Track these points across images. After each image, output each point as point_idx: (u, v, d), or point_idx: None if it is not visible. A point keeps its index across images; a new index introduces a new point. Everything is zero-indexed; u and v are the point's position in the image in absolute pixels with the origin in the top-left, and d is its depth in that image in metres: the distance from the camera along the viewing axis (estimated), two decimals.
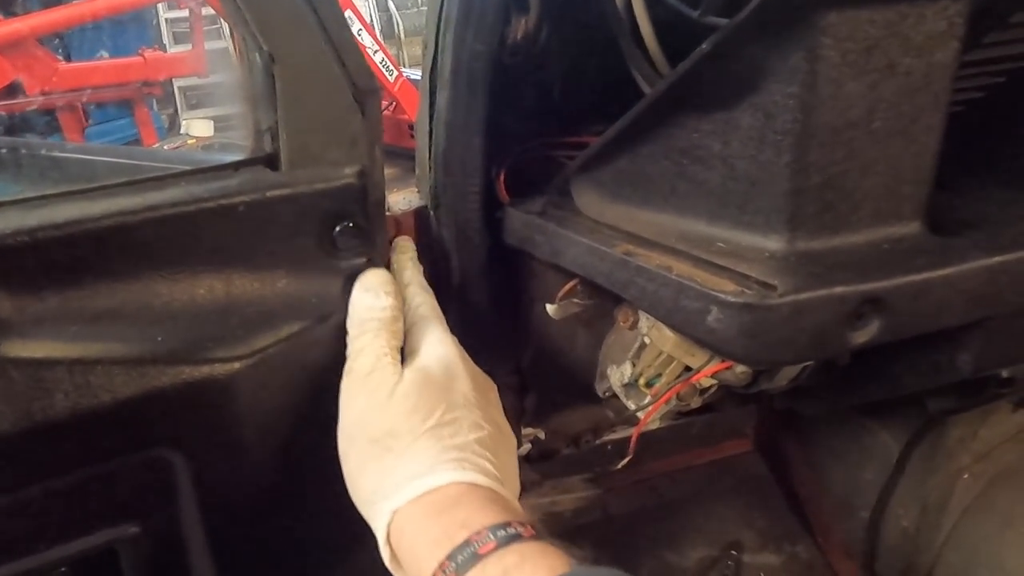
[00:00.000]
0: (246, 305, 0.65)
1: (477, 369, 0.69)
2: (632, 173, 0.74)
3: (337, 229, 0.66)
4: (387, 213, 0.76)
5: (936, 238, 0.67)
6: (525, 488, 1.10)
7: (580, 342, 0.90)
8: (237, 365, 0.63)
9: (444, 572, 0.53)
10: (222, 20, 4.79)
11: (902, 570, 1.17)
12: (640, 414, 0.83)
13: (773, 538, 1.37)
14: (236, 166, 0.65)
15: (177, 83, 5.59)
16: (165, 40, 5.67)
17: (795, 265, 0.62)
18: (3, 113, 4.07)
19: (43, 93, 4.01)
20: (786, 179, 0.61)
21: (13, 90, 3.90)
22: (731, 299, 0.59)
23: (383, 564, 0.59)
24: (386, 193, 0.75)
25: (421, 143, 0.80)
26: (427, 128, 0.78)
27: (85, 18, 4.15)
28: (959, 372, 0.75)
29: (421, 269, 0.75)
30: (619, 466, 0.95)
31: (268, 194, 0.63)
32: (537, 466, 1.08)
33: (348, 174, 0.66)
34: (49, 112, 4.33)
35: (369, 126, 0.67)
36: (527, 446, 1.01)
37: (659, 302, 0.65)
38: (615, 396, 0.87)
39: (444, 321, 0.70)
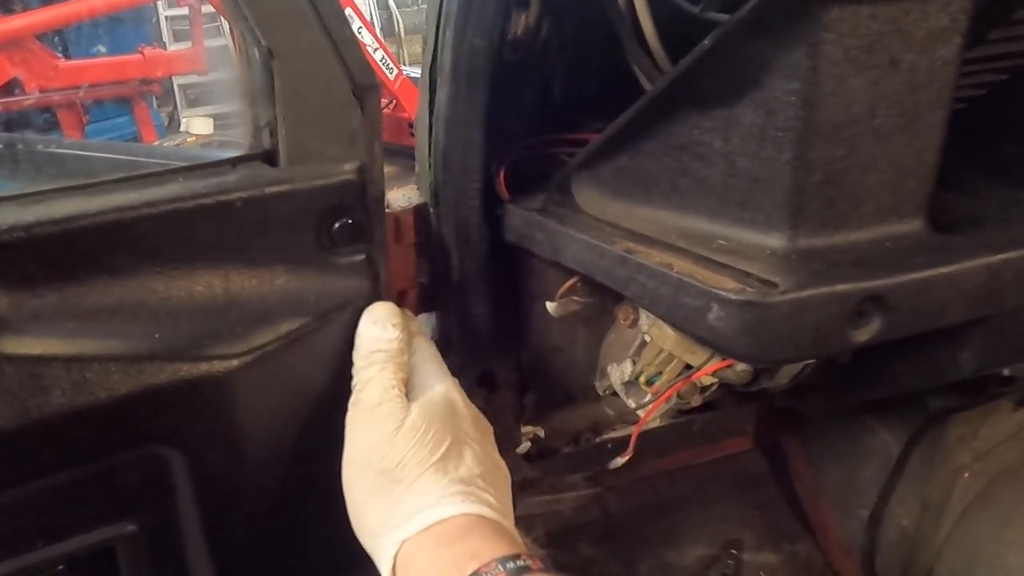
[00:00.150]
0: (244, 302, 0.64)
1: (476, 409, 0.71)
2: (633, 170, 0.73)
3: (336, 225, 0.66)
4: (387, 210, 0.76)
5: (938, 236, 0.67)
6: (525, 487, 1.10)
7: (580, 340, 0.90)
8: (235, 362, 0.63)
9: None
10: (222, 17, 4.78)
11: (902, 569, 1.17)
12: (640, 412, 0.82)
13: (773, 537, 1.37)
14: (234, 162, 0.65)
15: (177, 81, 5.59)
16: (165, 38, 5.66)
17: (796, 262, 0.62)
18: (2, 111, 4.06)
19: (42, 91, 4.00)
20: (787, 176, 0.61)
21: (12, 88, 3.89)
22: (732, 297, 0.59)
23: None
24: (386, 190, 0.74)
25: (421, 140, 0.80)
26: (427, 125, 0.77)
27: (84, 15, 4.14)
28: (960, 371, 0.74)
29: (423, 331, 0.76)
30: (619, 464, 0.95)
31: (267, 190, 0.63)
32: (537, 464, 1.07)
33: (347, 170, 0.65)
34: (48, 110, 4.33)
35: (368, 122, 0.67)
36: (527, 444, 1.00)
37: (660, 300, 0.65)
38: (615, 394, 0.86)
39: (445, 365, 0.72)
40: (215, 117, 5.40)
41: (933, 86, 0.62)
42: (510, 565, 0.54)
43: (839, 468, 1.29)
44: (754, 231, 0.65)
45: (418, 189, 0.84)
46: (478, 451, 0.65)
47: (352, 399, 0.66)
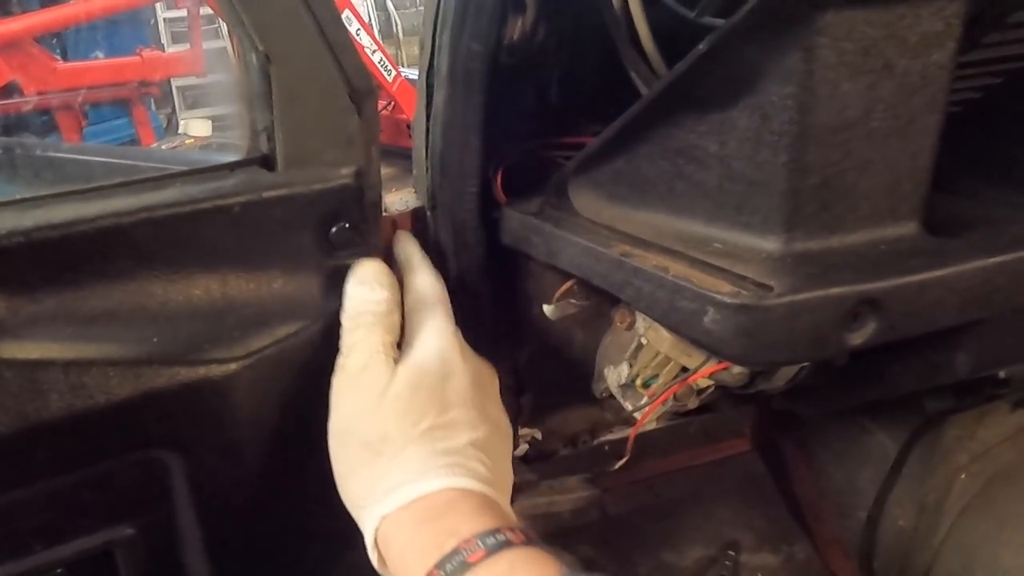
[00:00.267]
0: (242, 306, 0.64)
1: (477, 360, 0.68)
2: (629, 173, 0.73)
3: (333, 230, 0.66)
4: (384, 214, 0.76)
5: (933, 239, 0.67)
6: (522, 489, 1.10)
7: (577, 342, 0.90)
8: (233, 366, 0.63)
9: None
10: (220, 19, 4.79)
11: (900, 570, 1.17)
12: (637, 415, 0.83)
13: (771, 538, 1.37)
14: (232, 167, 0.65)
15: (175, 83, 5.59)
16: (163, 40, 5.67)
17: (792, 266, 0.62)
18: (0, 113, 4.06)
19: (40, 93, 4.00)
20: (783, 179, 0.61)
21: (10, 90, 3.90)
22: (727, 300, 0.59)
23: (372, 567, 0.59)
24: (383, 193, 0.75)
25: (418, 143, 0.80)
26: (424, 128, 0.78)
27: (82, 18, 4.15)
28: (956, 373, 0.75)
29: (428, 260, 0.74)
30: (617, 466, 0.95)
31: (264, 195, 0.63)
32: (534, 466, 1.08)
33: (344, 175, 0.66)
34: (46, 112, 4.33)
35: (366, 126, 0.67)
36: (524, 447, 1.00)
37: (655, 303, 0.65)
38: (612, 397, 0.87)
39: (448, 307, 0.69)
40: (213, 119, 5.41)
41: (928, 90, 0.62)
42: (490, 540, 0.52)
43: (837, 469, 1.29)
44: (750, 234, 0.65)
45: (415, 192, 0.84)
46: (472, 415, 0.62)
47: (338, 363, 0.64)
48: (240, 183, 0.63)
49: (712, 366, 0.75)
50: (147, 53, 4.77)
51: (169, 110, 5.73)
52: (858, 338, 0.62)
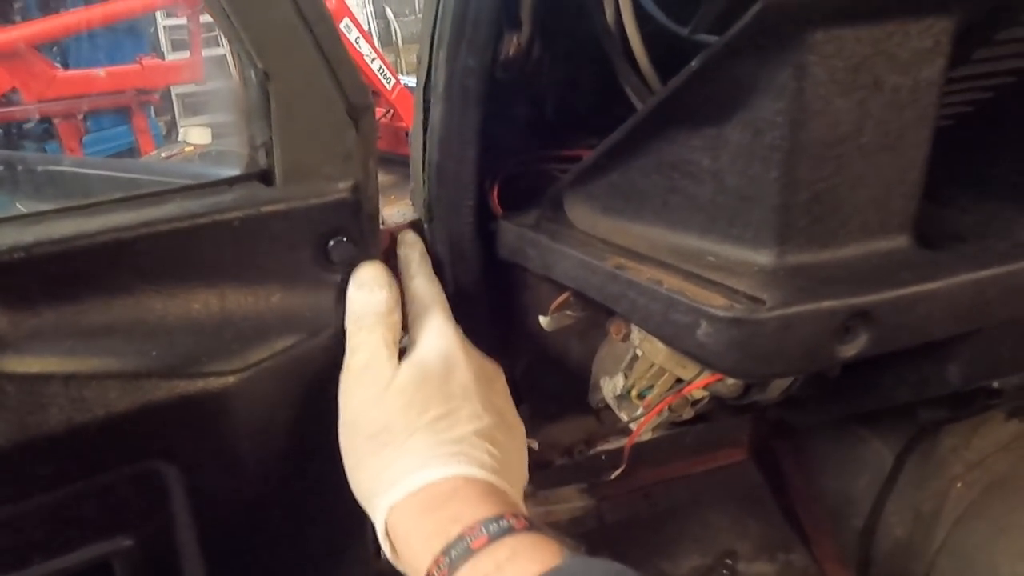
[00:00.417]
0: (241, 319, 0.65)
1: (481, 357, 0.69)
2: (624, 187, 0.74)
3: (331, 243, 0.67)
4: (382, 226, 0.77)
5: (924, 252, 0.68)
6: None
7: (573, 354, 0.91)
8: (232, 379, 0.64)
9: (439, 567, 0.53)
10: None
11: None
12: (633, 425, 0.83)
13: (767, 547, 1.37)
14: (231, 181, 0.66)
15: (175, 90, 5.60)
16: (163, 48, 5.68)
17: (784, 279, 0.63)
18: (1, 122, 4.07)
19: (40, 101, 4.01)
20: (775, 194, 0.62)
21: (11, 98, 3.90)
22: (720, 313, 0.60)
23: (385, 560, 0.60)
24: (381, 205, 0.75)
25: (415, 157, 0.81)
26: (421, 142, 0.78)
27: (82, 26, 4.16)
28: (948, 384, 0.75)
29: (429, 261, 0.76)
30: (613, 476, 0.96)
31: (262, 209, 0.64)
32: (531, 476, 1.08)
33: (342, 189, 0.66)
34: (46, 120, 4.33)
35: (363, 141, 0.68)
36: None
37: (649, 315, 0.66)
38: (608, 407, 0.87)
39: (448, 310, 0.70)
40: (213, 127, 5.41)
41: (918, 105, 0.63)
42: (493, 527, 0.53)
43: (833, 478, 1.30)
44: (742, 248, 0.65)
45: (412, 204, 0.85)
46: (475, 407, 0.63)
47: (344, 364, 0.66)
48: (239, 198, 0.64)
49: (706, 378, 0.76)
50: (147, 61, 4.77)
51: (169, 118, 5.74)
52: (850, 350, 0.63)
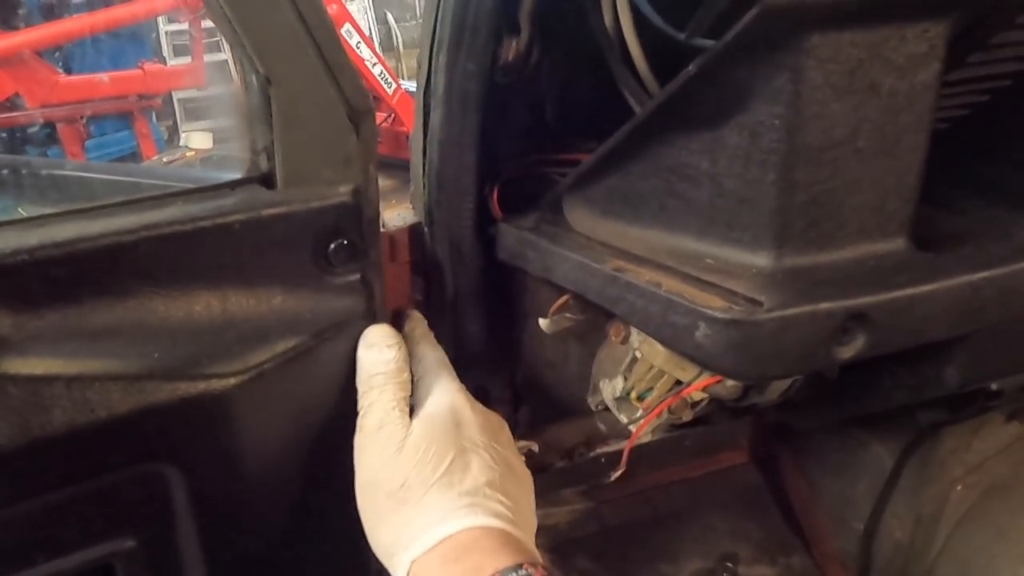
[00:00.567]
0: (242, 322, 0.65)
1: (486, 411, 0.71)
2: (622, 190, 0.75)
3: (332, 247, 0.67)
4: (382, 230, 0.77)
5: (921, 254, 0.68)
6: None
7: (573, 356, 0.91)
8: (233, 381, 0.64)
9: None
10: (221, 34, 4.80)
11: None
12: (632, 427, 0.83)
13: (768, 549, 1.38)
14: (232, 185, 0.66)
15: (177, 95, 5.61)
16: (165, 53, 5.69)
17: (781, 281, 0.63)
18: (3, 126, 4.08)
19: (43, 106, 4.02)
20: (772, 197, 0.62)
21: (13, 104, 3.91)
22: (718, 315, 0.60)
23: None
24: (381, 208, 0.76)
25: (415, 161, 0.81)
26: (421, 147, 0.79)
27: (85, 31, 4.17)
28: (946, 386, 0.76)
29: (431, 334, 0.77)
30: (613, 478, 0.96)
31: (264, 213, 0.64)
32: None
33: (343, 193, 0.67)
34: (49, 125, 4.34)
35: (363, 145, 0.68)
36: (521, 459, 1.01)
37: (648, 318, 0.66)
38: (608, 409, 0.87)
39: (452, 371, 0.72)
40: (214, 131, 5.42)
41: (913, 109, 0.63)
42: None
43: (834, 481, 1.30)
44: (740, 250, 0.66)
45: (412, 208, 0.85)
46: (485, 458, 0.65)
47: (357, 424, 0.67)
48: (240, 201, 0.64)
49: (705, 379, 0.76)
50: (149, 66, 4.79)
51: (170, 123, 5.75)
52: (848, 352, 0.63)
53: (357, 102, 0.67)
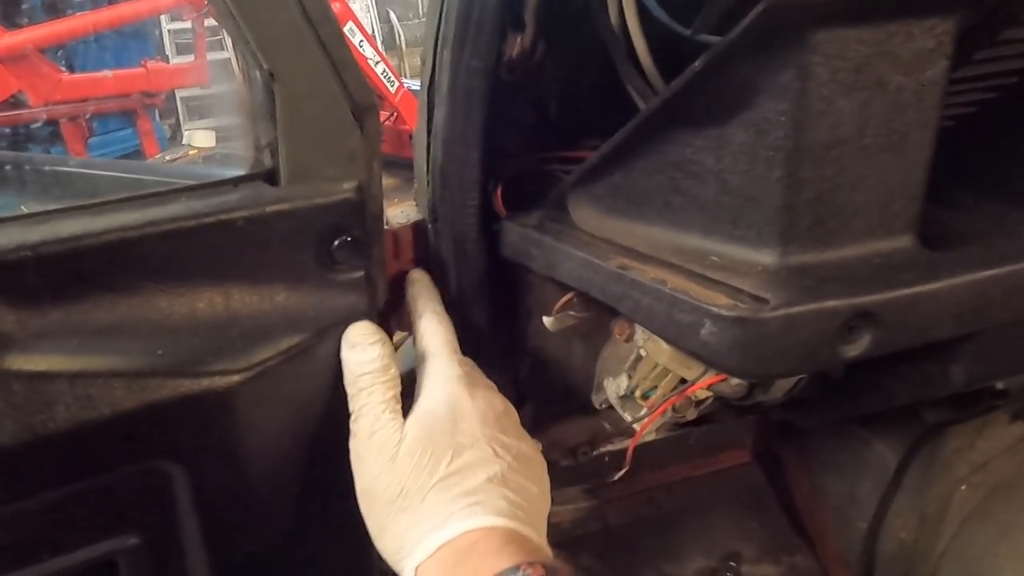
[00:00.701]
0: (245, 318, 0.65)
1: (489, 395, 0.69)
2: (627, 187, 0.74)
3: (335, 243, 0.67)
4: (386, 227, 0.77)
5: (928, 252, 0.68)
6: None
7: (577, 354, 0.91)
8: (236, 378, 0.64)
9: None
10: (224, 31, 4.82)
11: None
12: (636, 426, 0.83)
13: (771, 549, 1.37)
14: (236, 181, 0.66)
15: (179, 94, 5.63)
16: (167, 51, 5.70)
17: (787, 279, 0.63)
18: (6, 124, 4.09)
19: (46, 104, 4.03)
20: (778, 194, 0.62)
21: (17, 101, 3.93)
22: (724, 313, 0.60)
23: None
24: (385, 206, 0.76)
25: (419, 158, 0.81)
26: (425, 143, 0.79)
27: (88, 30, 4.18)
28: (951, 385, 0.75)
29: (436, 295, 0.76)
30: (616, 477, 0.96)
31: (267, 209, 0.64)
32: None
33: (346, 189, 0.67)
34: (52, 123, 4.36)
35: (367, 142, 0.68)
36: None
37: (653, 315, 0.66)
38: (612, 408, 0.87)
39: (453, 350, 0.71)
40: (217, 130, 5.43)
41: (920, 106, 0.63)
42: None
43: (837, 480, 1.30)
44: (746, 248, 0.66)
45: (416, 205, 0.85)
46: (487, 452, 0.63)
47: (351, 429, 0.66)
48: (244, 198, 0.64)
49: (710, 378, 0.76)
50: (152, 65, 4.80)
51: (173, 121, 5.77)
52: (853, 350, 0.63)
53: (361, 98, 0.67)
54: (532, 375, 0.95)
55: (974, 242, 0.72)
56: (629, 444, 0.88)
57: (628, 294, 0.68)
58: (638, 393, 0.81)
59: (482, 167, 0.79)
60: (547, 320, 0.84)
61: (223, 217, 0.62)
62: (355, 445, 0.65)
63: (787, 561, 1.36)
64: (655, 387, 0.80)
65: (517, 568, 0.55)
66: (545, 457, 0.69)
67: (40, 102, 4.01)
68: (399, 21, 7.36)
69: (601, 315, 0.84)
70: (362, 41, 4.15)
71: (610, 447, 1.05)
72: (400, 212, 0.84)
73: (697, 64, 0.60)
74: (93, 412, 0.59)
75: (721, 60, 0.59)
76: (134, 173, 0.91)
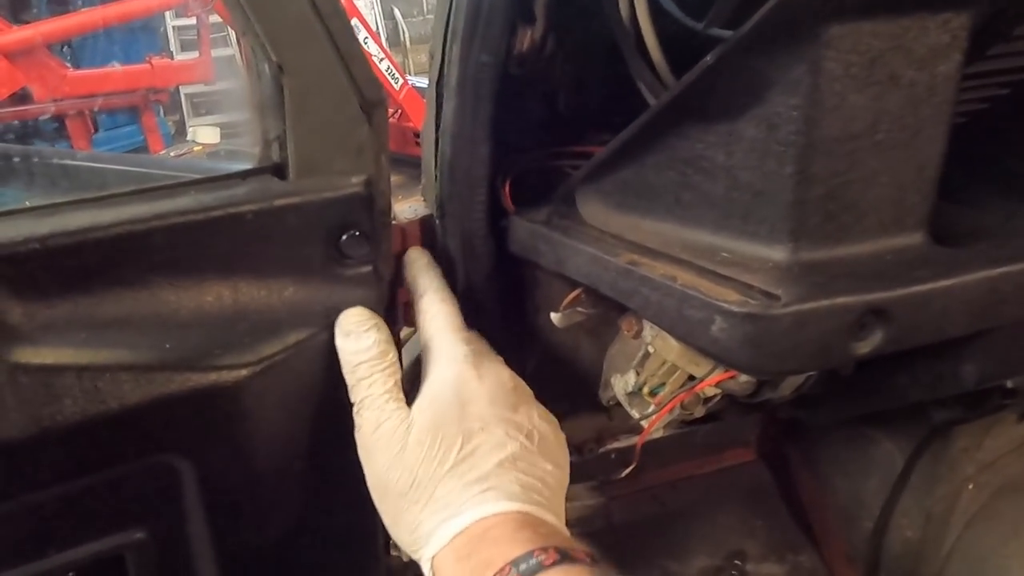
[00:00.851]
0: (253, 313, 0.65)
1: (498, 373, 0.68)
2: (637, 183, 0.74)
3: (343, 238, 0.67)
4: (393, 222, 0.77)
5: (940, 249, 0.67)
6: None
7: (584, 351, 0.91)
8: (244, 372, 0.64)
9: None
10: (229, 28, 4.83)
11: None
12: (644, 423, 0.83)
13: (776, 547, 1.37)
14: (244, 175, 0.66)
15: (184, 90, 5.63)
16: (172, 47, 5.71)
17: (798, 275, 0.62)
18: (12, 119, 4.10)
19: (52, 100, 4.04)
20: (789, 190, 0.62)
21: (22, 97, 3.93)
22: (735, 309, 0.59)
23: None
24: (392, 201, 0.75)
25: (427, 153, 0.81)
26: (433, 138, 0.78)
27: (94, 26, 4.18)
28: (962, 383, 0.75)
29: (438, 272, 0.75)
30: (623, 474, 0.95)
31: (276, 203, 0.64)
32: None
33: (355, 183, 0.66)
34: (57, 119, 4.37)
35: (376, 136, 0.68)
36: None
37: (663, 312, 0.66)
38: (619, 405, 0.87)
39: (457, 328, 0.69)
40: (222, 126, 5.44)
41: (934, 101, 0.62)
42: (523, 567, 0.54)
43: (843, 479, 1.29)
44: (757, 244, 0.65)
45: (424, 201, 0.84)
46: (498, 435, 0.62)
47: (355, 423, 0.65)
48: (252, 191, 0.64)
49: (719, 375, 0.75)
50: (157, 61, 4.80)
51: (178, 117, 5.77)
52: (865, 348, 0.62)
53: (369, 92, 0.66)
54: (539, 371, 0.94)
55: (986, 239, 0.71)
56: (636, 441, 0.88)
57: (638, 290, 0.68)
58: (646, 390, 0.81)
59: (490, 162, 0.78)
60: (555, 316, 0.83)
61: (231, 211, 0.62)
62: (361, 438, 0.64)
63: (792, 560, 1.36)
64: (663, 384, 0.79)
65: (531, 554, 0.54)
66: None
67: (45, 97, 4.02)
68: (403, 18, 7.36)
69: (609, 311, 0.83)
70: (366, 38, 4.14)
71: (617, 444, 1.05)
72: (408, 207, 0.83)
73: (709, 58, 0.59)
74: (100, 406, 0.59)
75: (733, 54, 0.58)
76: (142, 167, 0.91)
